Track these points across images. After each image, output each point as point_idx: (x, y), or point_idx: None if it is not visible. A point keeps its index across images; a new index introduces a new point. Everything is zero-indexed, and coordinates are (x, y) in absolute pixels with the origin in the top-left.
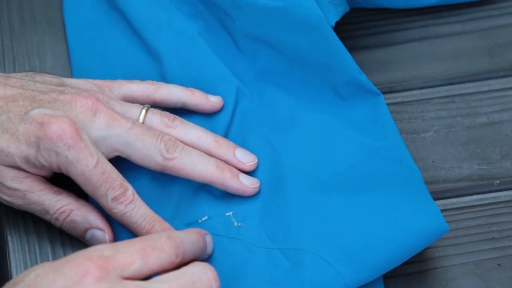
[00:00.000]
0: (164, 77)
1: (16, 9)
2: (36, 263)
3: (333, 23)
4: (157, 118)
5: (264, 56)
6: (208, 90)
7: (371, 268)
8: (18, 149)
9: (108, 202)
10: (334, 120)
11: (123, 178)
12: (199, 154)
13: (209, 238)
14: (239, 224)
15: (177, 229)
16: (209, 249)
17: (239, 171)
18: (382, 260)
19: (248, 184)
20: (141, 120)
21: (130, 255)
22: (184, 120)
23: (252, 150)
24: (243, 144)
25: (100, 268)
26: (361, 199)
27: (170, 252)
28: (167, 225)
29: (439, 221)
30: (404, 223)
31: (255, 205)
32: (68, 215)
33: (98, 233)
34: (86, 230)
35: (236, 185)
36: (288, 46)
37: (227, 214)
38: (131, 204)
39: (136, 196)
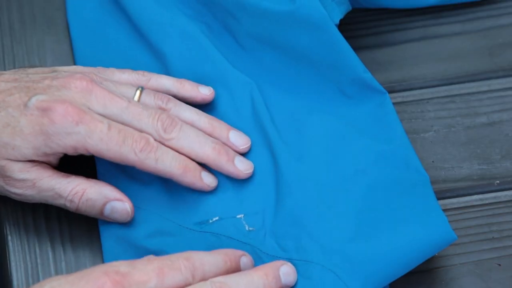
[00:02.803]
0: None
1: (16, 9)
2: (36, 263)
3: (337, 21)
4: (151, 100)
5: (269, 57)
6: (215, 89)
7: (378, 279)
8: (24, 141)
9: (138, 155)
10: (340, 122)
11: (138, 131)
12: (197, 134)
13: (246, 259)
14: (250, 228)
15: (187, 228)
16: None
17: (235, 154)
18: (389, 270)
19: (242, 169)
20: (136, 100)
21: (147, 274)
22: (178, 102)
23: (261, 152)
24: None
25: (115, 283)
26: (367, 209)
27: (186, 274)
28: (194, 162)
29: (447, 230)
30: (411, 233)
31: (266, 210)
32: (83, 194)
33: (117, 204)
34: (104, 205)
35: (231, 169)
36: (293, 45)
37: (238, 216)
38: (159, 150)
39: (159, 143)
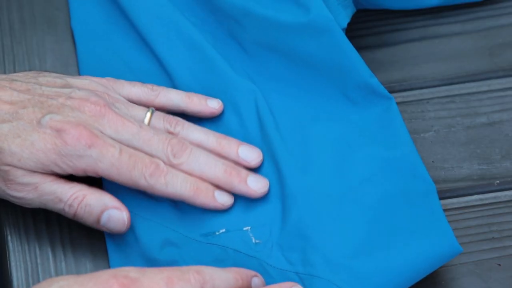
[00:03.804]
0: (175, 87)
1: (16, 9)
2: (36, 263)
3: (345, 25)
4: (160, 124)
5: (274, 62)
6: (221, 98)
7: None
8: (33, 155)
9: (148, 180)
10: (346, 129)
11: (149, 155)
12: (207, 157)
13: (258, 280)
14: (257, 241)
15: (193, 239)
16: None
17: (248, 173)
18: (394, 284)
19: (256, 189)
20: (146, 123)
21: (156, 282)
22: (186, 124)
23: (266, 162)
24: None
25: (123, 287)
26: (373, 221)
27: (196, 286)
28: (206, 182)
29: (452, 242)
30: (417, 246)
31: (272, 222)
32: (82, 199)
33: (115, 213)
34: (102, 212)
35: (244, 189)
36: (299, 51)
37: (245, 228)
38: (169, 174)
39: (169, 167)
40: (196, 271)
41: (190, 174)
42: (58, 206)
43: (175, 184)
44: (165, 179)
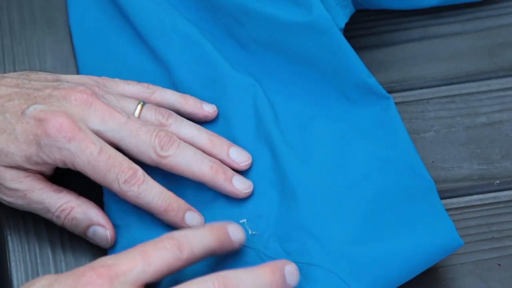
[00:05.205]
0: (173, 83)
1: (16, 9)
2: (36, 263)
3: (342, 25)
4: (152, 115)
5: (273, 61)
6: (218, 92)
7: (383, 284)
8: (17, 149)
9: (120, 186)
10: (344, 129)
11: (130, 160)
12: (194, 153)
13: (234, 227)
14: (253, 232)
15: None
16: (236, 237)
17: (233, 173)
18: (394, 275)
19: (240, 189)
20: (136, 115)
21: (132, 259)
22: (179, 117)
23: (264, 155)
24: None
25: (101, 276)
26: (373, 214)
27: (173, 249)
28: (182, 201)
29: (453, 235)
30: (417, 238)
31: (269, 213)
32: (69, 212)
33: (99, 230)
34: (88, 227)
35: (228, 188)
36: (298, 50)
37: (241, 221)
38: (143, 184)
39: (147, 176)
40: (168, 237)
41: (176, 168)
42: (46, 216)
43: (147, 196)
44: (138, 189)
